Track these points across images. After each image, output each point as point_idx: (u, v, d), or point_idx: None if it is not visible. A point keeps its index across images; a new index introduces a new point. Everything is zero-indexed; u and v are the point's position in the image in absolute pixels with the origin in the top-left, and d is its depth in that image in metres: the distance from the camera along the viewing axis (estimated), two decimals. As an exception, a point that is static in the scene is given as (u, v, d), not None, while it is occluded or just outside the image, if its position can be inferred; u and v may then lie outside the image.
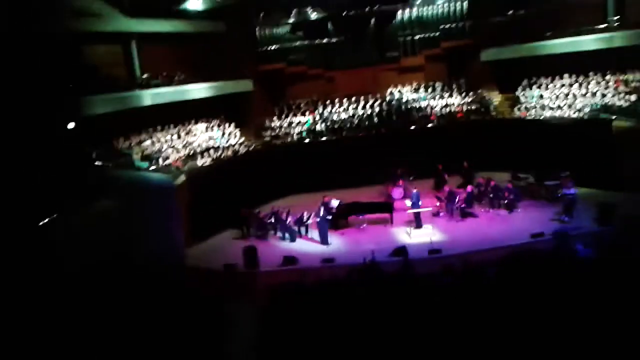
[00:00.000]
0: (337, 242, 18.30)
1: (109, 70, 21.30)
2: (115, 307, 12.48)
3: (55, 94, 15.99)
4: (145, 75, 22.25)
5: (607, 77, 21.01)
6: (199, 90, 23.60)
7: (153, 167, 18.91)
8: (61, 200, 13.33)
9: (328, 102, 26.47)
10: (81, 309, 11.60)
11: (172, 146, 21.05)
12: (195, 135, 22.90)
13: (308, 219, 19.11)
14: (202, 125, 23.85)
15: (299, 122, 25.52)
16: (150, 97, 20.98)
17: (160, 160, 19.58)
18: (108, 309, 12.29)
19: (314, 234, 18.87)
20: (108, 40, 21.44)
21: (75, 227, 13.30)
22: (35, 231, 12.27)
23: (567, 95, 21.78)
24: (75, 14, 18.60)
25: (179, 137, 22.14)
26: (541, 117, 22.03)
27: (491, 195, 19.31)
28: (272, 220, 19.46)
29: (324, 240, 18.16)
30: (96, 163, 17.25)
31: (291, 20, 27.31)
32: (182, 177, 19.02)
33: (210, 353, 12.63)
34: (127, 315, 12.54)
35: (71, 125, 16.80)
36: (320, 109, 26.13)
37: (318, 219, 18.34)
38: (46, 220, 12.47)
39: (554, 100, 22.08)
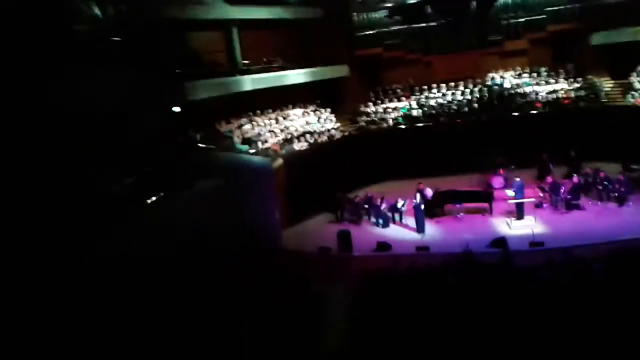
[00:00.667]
0: (432, 231, 18.04)
1: (211, 56, 22.06)
2: (212, 286, 12.92)
3: (163, 79, 16.78)
4: (245, 62, 22.81)
5: None
6: (296, 75, 23.97)
7: (253, 150, 19.43)
8: (168, 179, 13.97)
9: (425, 87, 25.93)
10: (181, 286, 12.07)
11: (270, 130, 21.52)
12: (292, 119, 23.24)
13: (403, 205, 18.94)
14: (299, 110, 24.18)
15: (395, 108, 25.24)
16: (250, 82, 21.59)
17: (260, 144, 20.09)
18: (205, 287, 12.73)
19: (408, 221, 18.68)
20: (211, 28, 22.16)
21: (180, 206, 13.88)
22: (144, 208, 12.91)
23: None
24: (180, 2, 19.35)
25: (277, 121, 22.58)
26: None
27: (600, 187, 18.23)
28: (367, 205, 19.46)
29: (420, 228, 17.93)
30: (200, 145, 17.95)
31: (389, 5, 26.91)
32: (280, 161, 19.42)
33: (303, 333, 12.86)
34: (224, 294, 12.99)
35: (177, 109, 17.58)
36: (418, 94, 25.67)
37: (414, 206, 18.11)
38: (153, 198, 13.10)
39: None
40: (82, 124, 12.68)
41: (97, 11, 15.08)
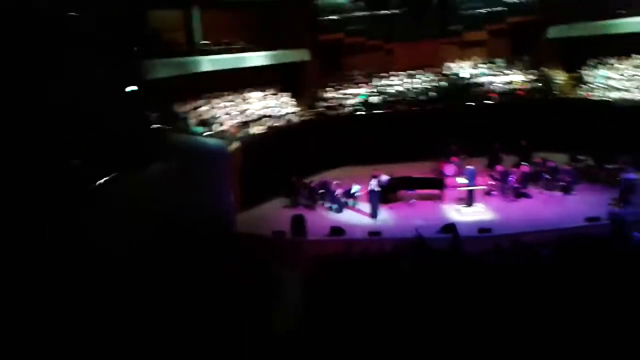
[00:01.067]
0: (385, 216, 18.27)
1: (170, 35, 21.69)
2: (165, 268, 12.89)
3: (118, 56, 16.45)
4: (205, 42, 22.55)
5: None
6: (256, 58, 23.71)
7: (208, 133, 19.30)
8: (119, 160, 13.78)
9: (385, 74, 26.12)
10: (132, 271, 12.01)
11: (227, 113, 21.38)
12: (251, 102, 23.14)
13: (357, 191, 19.17)
14: (258, 93, 24.07)
15: (354, 94, 25.38)
16: (209, 63, 21.29)
17: (216, 126, 19.95)
18: (159, 270, 12.70)
19: (362, 206, 18.94)
20: (170, 5, 21.75)
21: (132, 188, 13.74)
22: (92, 191, 12.73)
23: (635, 76, 20.74)
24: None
25: (235, 104, 22.44)
26: (607, 99, 21.11)
27: (547, 176, 18.78)
28: (322, 190, 19.61)
29: (373, 213, 18.17)
30: (154, 126, 17.71)
31: (352, -10, 26.96)
32: (237, 144, 19.34)
33: (256, 315, 12.96)
34: (177, 276, 12.98)
35: (132, 88, 17.28)
36: (376, 82, 25.86)
37: (368, 192, 18.35)
38: (104, 180, 12.93)
39: (622, 81, 21.08)
40: (33, 103, 12.42)
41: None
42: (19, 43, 12.15)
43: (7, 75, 11.69)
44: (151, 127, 17.41)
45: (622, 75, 21.42)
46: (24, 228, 9.58)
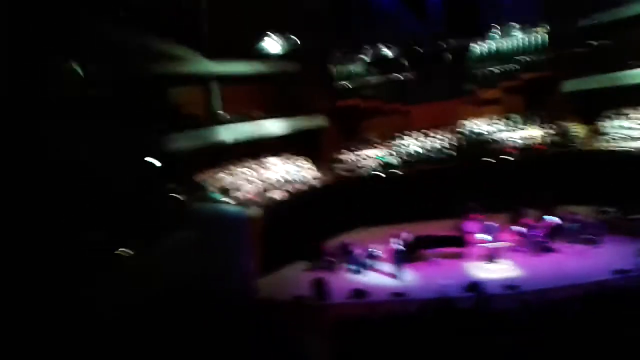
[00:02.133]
0: (408, 276, 18.01)
1: (191, 108, 22.44)
2: (189, 336, 12.84)
3: (142, 132, 17.07)
4: (224, 113, 23.24)
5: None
6: (274, 126, 24.36)
7: (229, 200, 19.57)
8: (144, 231, 14.03)
9: (403, 135, 26.45)
10: (156, 336, 12.01)
11: (248, 180, 21.71)
12: (271, 169, 23.50)
13: (378, 252, 19.06)
14: (277, 160, 24.48)
15: (373, 156, 25.67)
16: (228, 133, 21.91)
17: (237, 194, 20.24)
18: (182, 337, 12.66)
19: (384, 267, 18.78)
20: (190, 82, 22.58)
21: (155, 257, 13.93)
22: (117, 260, 12.93)
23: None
24: (160, 57, 19.84)
25: (255, 172, 22.81)
26: (628, 149, 20.98)
27: (573, 230, 18.47)
28: (343, 252, 19.54)
29: (397, 274, 17.97)
30: (176, 196, 18.06)
31: (366, 58, 27.73)
32: (257, 210, 19.54)
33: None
34: (200, 344, 12.90)
35: (156, 162, 17.79)
36: (394, 143, 26.16)
37: (392, 252, 18.23)
38: (129, 250, 13.14)
39: (638, 131, 21.01)
40: (66, 179, 12.90)
41: (79, 70, 15.46)
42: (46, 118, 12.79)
43: (32, 150, 12.22)
44: (172, 197, 17.79)
45: (638, 124, 21.31)
46: (44, 296, 9.73)
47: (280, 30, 24.57)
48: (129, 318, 11.70)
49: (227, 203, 19.32)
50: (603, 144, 22.39)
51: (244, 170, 22.48)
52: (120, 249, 13.15)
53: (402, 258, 18.22)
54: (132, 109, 16.83)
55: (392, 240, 18.27)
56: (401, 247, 18.14)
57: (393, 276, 17.99)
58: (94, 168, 14.17)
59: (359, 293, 16.32)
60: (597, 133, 23.15)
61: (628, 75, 21.82)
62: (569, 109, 25.04)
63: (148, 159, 17.65)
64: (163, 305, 13.02)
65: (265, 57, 24.91)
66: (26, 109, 12.72)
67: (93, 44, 15.81)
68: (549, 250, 18.07)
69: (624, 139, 21.43)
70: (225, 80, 23.52)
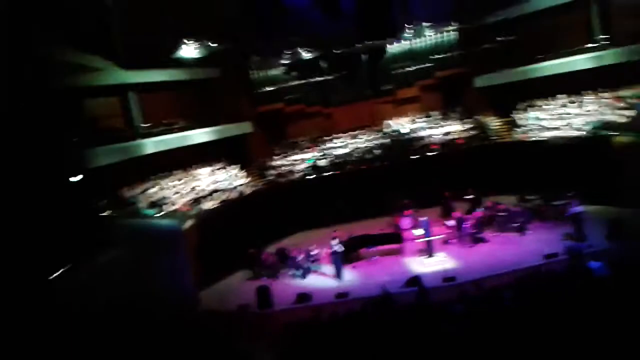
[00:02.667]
0: (349, 276, 18.14)
1: (108, 121, 21.48)
2: (130, 355, 12.35)
3: (58, 148, 16.15)
4: (145, 124, 22.41)
5: (602, 94, 21.17)
6: (199, 135, 23.82)
7: (160, 214, 18.90)
8: (71, 252, 13.30)
9: (328, 138, 26.66)
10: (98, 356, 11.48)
11: (177, 192, 21.07)
12: (200, 179, 22.95)
13: (317, 254, 19.07)
14: (206, 169, 23.94)
15: (301, 159, 25.69)
16: (152, 145, 21.14)
17: (167, 206, 19.58)
18: (123, 357, 12.17)
19: (325, 269, 18.82)
20: (106, 93, 21.61)
21: (86, 278, 13.23)
22: (46, 284, 12.20)
23: (563, 115, 21.97)
24: (72, 69, 18.84)
25: (184, 182, 22.19)
26: (542, 138, 22.18)
27: (500, 219, 19.26)
28: (282, 258, 19.38)
29: (338, 274, 18.03)
30: (103, 214, 17.25)
31: (285, 61, 27.72)
32: (190, 222, 19.00)
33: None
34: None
35: (76, 178, 16.88)
36: (321, 145, 26.30)
37: (331, 253, 18.28)
38: (57, 272, 12.41)
39: (552, 121, 22.26)
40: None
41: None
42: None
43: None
44: (99, 214, 17.00)
45: (551, 115, 22.57)
46: None
47: (198, 37, 24.03)
48: (66, 342, 11.10)
49: (158, 217, 18.66)
50: (519, 135, 23.46)
51: (172, 182, 21.81)
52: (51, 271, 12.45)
53: (342, 259, 18.31)
54: (48, 124, 15.94)
55: (330, 242, 18.30)
56: (340, 248, 18.21)
57: (335, 277, 18.02)
58: (15, 188, 13.34)
59: (303, 297, 16.26)
60: (513, 125, 24.27)
61: (537, 69, 23.12)
62: (485, 104, 26.17)
63: (69, 176, 16.78)
64: (102, 324, 12.44)
65: (183, 64, 24.30)
66: None
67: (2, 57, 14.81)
68: (480, 240, 18.72)
69: (539, 129, 22.59)
70: (143, 90, 22.69)
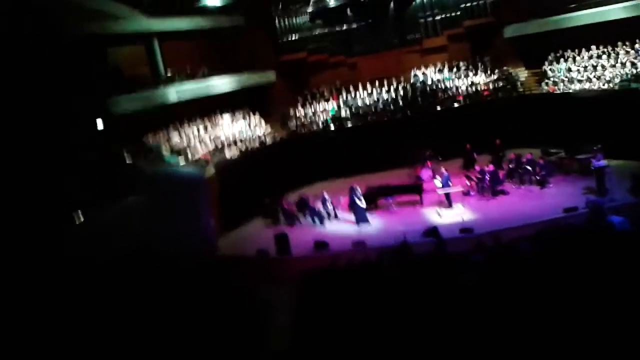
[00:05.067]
0: (367, 226, 18.27)
1: (133, 69, 21.63)
2: (151, 299, 12.70)
3: (84, 96, 16.38)
4: (169, 73, 22.50)
5: (636, 45, 20.35)
6: (222, 84, 23.83)
7: (182, 162, 19.17)
8: (95, 196, 13.64)
9: (351, 88, 26.39)
10: (115, 303, 11.83)
11: (200, 140, 21.28)
12: (222, 128, 23.09)
13: (337, 204, 19.29)
14: (228, 118, 24.04)
15: (324, 110, 25.55)
16: (175, 93, 21.26)
17: (189, 154, 19.83)
18: (143, 302, 12.52)
19: (344, 218, 19.12)
20: (131, 41, 21.73)
21: (109, 223, 13.59)
22: (70, 229, 12.55)
23: (595, 67, 21.26)
24: (98, 17, 18.89)
25: (206, 130, 22.36)
26: (570, 91, 21.59)
27: (522, 172, 19.04)
28: (302, 206, 19.59)
29: (361, 221, 18.23)
30: (127, 161, 17.57)
31: (310, 9, 27.25)
32: (212, 170, 19.25)
33: (246, 338, 12.81)
34: (162, 306, 12.78)
35: (100, 125, 17.16)
36: (344, 96, 26.09)
37: (349, 204, 18.47)
38: (82, 218, 12.76)
39: (582, 72, 21.60)
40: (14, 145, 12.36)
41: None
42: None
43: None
44: (124, 161, 17.30)
45: (581, 67, 21.90)
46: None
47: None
48: (89, 280, 11.49)
49: (180, 164, 18.92)
50: (548, 87, 22.88)
51: (195, 129, 22.00)
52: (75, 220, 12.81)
53: (361, 208, 18.40)
54: (73, 72, 16.13)
55: (350, 191, 18.39)
56: (359, 198, 18.30)
57: (357, 224, 18.18)
58: (42, 134, 13.65)
59: (321, 245, 16.44)
60: (542, 77, 23.63)
61: (569, 19, 22.24)
62: (514, 55, 25.47)
63: (95, 123, 17.07)
64: (124, 267, 12.82)
65: (208, 12, 24.10)
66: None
67: (27, 5, 14.91)
68: (500, 193, 18.58)
69: (569, 81, 21.94)
70: (167, 38, 22.64)
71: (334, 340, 11.07)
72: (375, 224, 18.36)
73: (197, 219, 17.24)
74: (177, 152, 19.75)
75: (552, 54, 23.75)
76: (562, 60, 23.14)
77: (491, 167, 19.01)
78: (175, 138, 20.75)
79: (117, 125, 18.01)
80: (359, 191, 18.44)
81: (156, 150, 19.41)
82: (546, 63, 23.91)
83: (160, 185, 16.25)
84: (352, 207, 18.53)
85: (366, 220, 18.26)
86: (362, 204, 18.30)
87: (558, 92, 22.20)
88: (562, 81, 22.27)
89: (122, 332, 10.96)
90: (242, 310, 13.87)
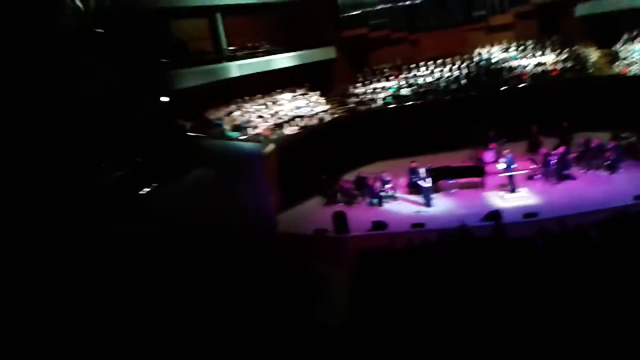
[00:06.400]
0: (427, 207, 18.08)
1: (196, 44, 21.89)
2: (211, 273, 12.96)
3: (148, 69, 16.64)
4: (231, 47, 22.67)
5: None
6: (283, 59, 23.87)
7: (243, 137, 19.39)
8: (159, 170, 13.91)
9: (413, 65, 25.91)
10: (178, 276, 12.10)
11: (260, 116, 21.45)
12: (282, 104, 23.18)
13: (397, 184, 19.16)
14: (288, 94, 24.11)
15: (384, 87, 25.22)
16: (237, 68, 21.47)
17: (250, 130, 20.04)
18: (204, 275, 12.78)
19: (403, 199, 18.99)
20: (194, 15, 21.94)
21: (173, 196, 13.85)
22: (136, 200, 12.85)
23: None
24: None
25: (266, 106, 22.51)
26: (644, 73, 20.55)
27: (589, 156, 18.34)
28: (360, 186, 19.54)
29: (428, 203, 18.08)
30: (189, 134, 17.87)
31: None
32: (271, 146, 19.40)
33: (303, 316, 12.98)
34: (222, 280, 13.05)
35: (165, 99, 17.45)
36: (405, 73, 25.65)
37: (410, 184, 18.44)
38: (146, 189, 13.04)
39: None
40: (69, 119, 12.61)
41: (78, 3, 14.89)
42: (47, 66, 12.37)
43: (42, 89, 11.90)
44: (186, 135, 17.59)
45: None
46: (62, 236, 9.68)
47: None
48: (151, 256, 11.77)
49: (241, 140, 19.14)
50: (619, 69, 21.82)
51: (256, 106, 22.18)
52: (140, 188, 13.07)
53: (427, 189, 18.18)
54: (138, 45, 16.38)
55: (409, 172, 18.21)
56: (421, 179, 18.09)
57: (413, 207, 18.04)
58: (105, 106, 13.92)
59: (379, 225, 16.42)
60: (614, 57, 22.55)
61: (644, -3, 21.04)
62: (585, 34, 24.32)
63: (159, 97, 17.34)
64: (184, 242, 13.08)
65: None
66: (32, 47, 12.31)
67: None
68: (567, 177, 17.97)
69: (642, 62, 20.88)
70: (230, 12, 22.78)
71: (389, 319, 11.12)
72: (436, 206, 18.10)
73: (257, 194, 17.46)
74: (238, 127, 19.99)
75: (626, 34, 22.57)
76: (636, 41, 21.95)
77: (560, 150, 18.35)
78: (236, 113, 20.98)
79: (180, 99, 18.31)
80: (422, 171, 18.18)
81: (217, 125, 19.70)
82: (619, 44, 22.77)
83: (221, 160, 16.47)
84: (415, 187, 18.33)
85: (430, 204, 18.04)
86: (427, 183, 18.05)
87: (631, 74, 21.11)
88: (636, 63, 21.16)
89: (181, 309, 11.28)
90: (300, 287, 14.05)
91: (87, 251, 9.88)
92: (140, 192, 13.01)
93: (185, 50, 20.99)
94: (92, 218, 10.64)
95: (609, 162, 17.82)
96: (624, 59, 21.98)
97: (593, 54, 23.75)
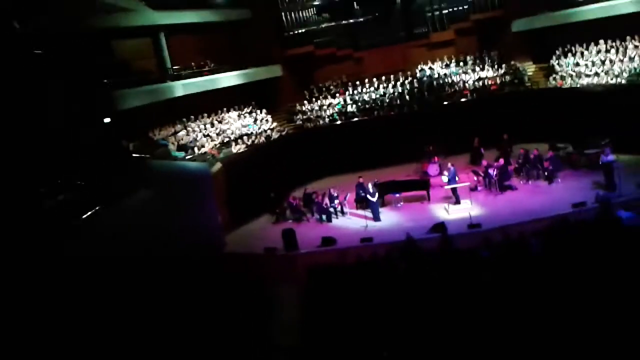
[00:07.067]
0: (374, 222, 18.23)
1: (140, 63, 21.59)
2: (158, 295, 12.70)
3: (89, 90, 16.31)
4: (176, 67, 22.47)
5: (646, 40, 20.21)
6: (229, 78, 23.77)
7: (189, 157, 19.17)
8: (102, 193, 13.58)
9: (358, 82, 26.30)
10: (124, 298, 11.82)
11: (206, 135, 21.28)
12: (228, 122, 23.06)
13: (344, 199, 19.25)
14: (234, 113, 24.02)
15: (330, 104, 25.48)
16: (182, 87, 21.24)
17: (196, 149, 19.84)
18: (151, 297, 12.51)
19: (350, 214, 19.10)
20: (137, 35, 21.64)
21: (117, 218, 13.54)
22: (78, 224, 12.51)
23: (603, 61, 21.09)
24: (103, 10, 18.83)
25: (212, 125, 22.35)
26: (578, 85, 21.41)
27: (529, 167, 18.96)
28: (308, 202, 19.58)
29: (376, 217, 18.17)
30: (133, 155, 17.55)
31: (316, 3, 27.14)
32: (218, 165, 19.24)
33: (253, 334, 12.86)
34: (171, 302, 12.80)
35: (107, 120, 17.11)
36: (351, 90, 26.01)
37: (357, 199, 18.58)
38: (89, 213, 12.71)
39: (590, 67, 21.42)
40: (5, 143, 12.24)
41: (16, 25, 14.51)
42: None
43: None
44: (130, 156, 17.27)
45: (589, 61, 21.74)
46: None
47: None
48: (96, 279, 11.47)
49: (187, 159, 18.93)
50: (554, 82, 22.74)
51: (201, 125, 21.99)
52: (83, 212, 12.74)
53: (375, 203, 18.34)
54: (78, 66, 16.06)
55: (356, 187, 18.38)
56: (370, 193, 18.25)
57: (361, 222, 18.17)
58: (44, 129, 13.56)
59: (328, 241, 16.45)
60: (550, 71, 23.48)
61: (576, 13, 21.99)
62: (522, 49, 25.25)
63: (101, 118, 16.99)
64: (132, 263, 12.80)
65: (214, 5, 24.05)
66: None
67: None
68: (508, 188, 18.50)
69: (577, 75, 21.76)
70: (174, 31, 22.64)
71: (341, 335, 11.14)
72: (384, 220, 18.29)
73: (204, 214, 17.26)
74: (184, 147, 19.76)
75: (560, 49, 23.55)
76: (569, 54, 22.97)
77: (501, 162, 18.89)
78: (181, 133, 20.75)
79: (124, 120, 17.99)
80: (369, 186, 18.38)
81: (163, 145, 19.42)
82: (554, 57, 23.73)
83: (167, 181, 16.24)
84: (363, 202, 18.48)
85: (379, 218, 18.19)
86: (374, 198, 18.24)
87: (566, 86, 22.03)
88: (570, 76, 22.10)
89: (128, 330, 10.99)
90: (249, 306, 13.91)
91: (30, 276, 9.58)
92: (83, 216, 12.69)
93: (129, 70, 20.67)
94: (33, 244, 10.31)
95: (547, 172, 18.41)
96: (559, 72, 22.88)
97: (529, 68, 24.67)
